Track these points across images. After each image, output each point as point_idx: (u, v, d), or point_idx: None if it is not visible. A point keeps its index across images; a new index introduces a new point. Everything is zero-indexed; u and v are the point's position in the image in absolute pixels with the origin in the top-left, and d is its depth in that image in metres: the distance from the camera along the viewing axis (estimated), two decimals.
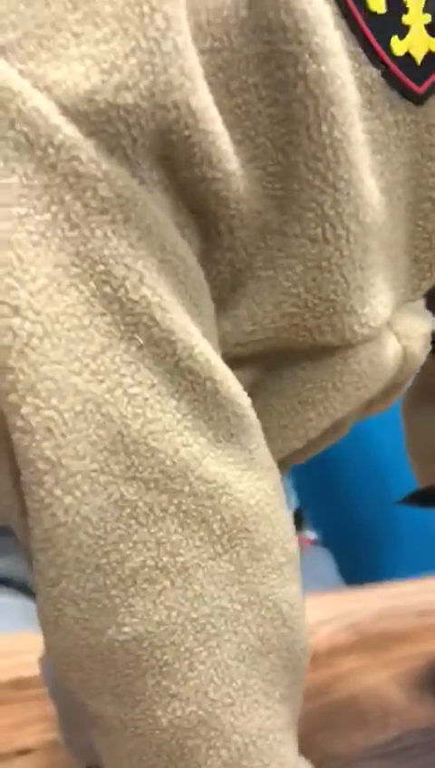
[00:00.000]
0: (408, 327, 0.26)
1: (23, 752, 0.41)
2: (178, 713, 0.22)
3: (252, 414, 0.23)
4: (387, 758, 0.40)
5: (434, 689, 0.45)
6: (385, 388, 0.27)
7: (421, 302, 0.27)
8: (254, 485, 0.22)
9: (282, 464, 0.25)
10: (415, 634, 0.50)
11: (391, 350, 0.25)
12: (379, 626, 0.52)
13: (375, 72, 0.22)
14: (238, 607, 0.22)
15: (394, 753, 0.41)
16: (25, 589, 0.59)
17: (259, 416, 0.23)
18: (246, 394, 0.23)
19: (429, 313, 0.28)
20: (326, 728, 0.43)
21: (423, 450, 0.37)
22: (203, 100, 0.20)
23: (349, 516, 0.83)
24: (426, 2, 0.23)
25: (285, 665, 0.23)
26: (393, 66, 0.23)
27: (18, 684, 0.45)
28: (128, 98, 0.19)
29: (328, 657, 0.49)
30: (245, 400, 0.22)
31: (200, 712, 0.22)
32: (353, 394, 0.25)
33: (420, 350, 0.26)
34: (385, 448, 0.76)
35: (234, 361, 0.23)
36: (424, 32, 0.23)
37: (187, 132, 0.20)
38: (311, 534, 0.81)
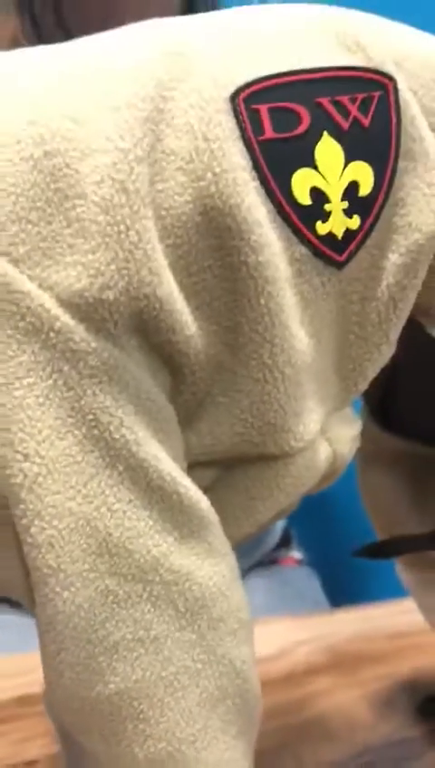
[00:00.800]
0: (338, 433, 0.32)
1: (29, 763, 0.45)
2: (152, 749, 0.27)
3: (210, 513, 0.28)
4: None
5: (400, 707, 0.49)
6: (320, 479, 0.32)
7: (350, 410, 0.33)
8: (212, 570, 0.28)
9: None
10: (385, 656, 0.54)
11: (323, 453, 0.31)
12: (353, 647, 0.55)
13: (304, 250, 0.28)
14: (199, 665, 0.27)
15: (360, 767, 0.45)
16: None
17: (219, 505, 0.29)
18: (205, 498, 0.28)
19: (356, 419, 0.34)
20: (298, 742, 0.46)
21: (377, 507, 0.42)
22: (167, 289, 0.27)
23: (335, 537, 0.86)
24: (344, 192, 0.29)
25: (240, 709, 0.29)
26: (318, 243, 0.29)
27: (24, 701, 0.49)
28: (110, 295, 0.26)
29: (304, 676, 0.52)
30: (204, 504, 0.28)
31: (169, 748, 0.27)
32: (293, 491, 0.31)
33: (347, 451, 0.33)
34: None
35: (199, 464, 0.30)
36: (342, 214, 0.29)
37: (155, 313, 0.27)
38: (297, 554, 0.84)
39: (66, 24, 0.63)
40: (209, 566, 0.28)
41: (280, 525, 0.84)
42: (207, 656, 0.28)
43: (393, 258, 0.30)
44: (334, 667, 0.53)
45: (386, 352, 0.31)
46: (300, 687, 0.51)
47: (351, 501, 0.85)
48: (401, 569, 0.44)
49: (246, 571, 0.78)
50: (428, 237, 0.30)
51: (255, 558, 0.80)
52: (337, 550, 0.85)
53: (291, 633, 0.57)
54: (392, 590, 0.68)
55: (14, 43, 0.65)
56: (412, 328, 0.33)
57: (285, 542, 0.84)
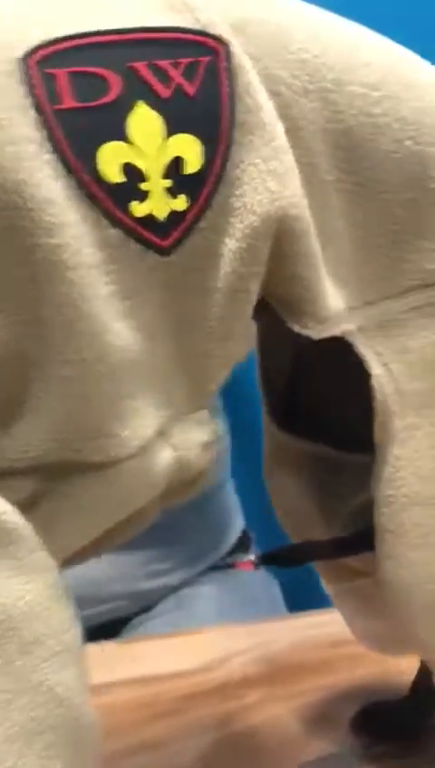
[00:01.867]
0: (184, 438, 0.29)
1: None
2: None
3: (21, 525, 0.25)
4: None
5: (335, 721, 0.46)
6: (171, 488, 0.29)
7: (204, 413, 0.30)
8: (22, 588, 0.25)
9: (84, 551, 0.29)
10: (328, 665, 0.51)
11: (162, 460, 0.28)
12: (294, 656, 0.53)
13: (116, 233, 0.25)
14: (9, 696, 0.24)
15: None
16: None
17: (46, 517, 0.26)
18: (11, 509, 0.25)
19: (211, 422, 0.30)
20: (224, 760, 0.44)
21: (285, 510, 0.39)
22: None
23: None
24: (166, 169, 0.26)
25: (65, 741, 0.25)
26: (134, 226, 0.25)
27: None
28: None
29: (238, 689, 0.50)
30: (10, 516, 0.25)
31: None
32: (127, 502, 0.28)
33: (195, 457, 0.29)
34: None
35: (17, 471, 0.26)
36: (165, 194, 0.26)
37: None
38: (254, 557, 0.82)
39: None
40: (18, 584, 0.24)
41: (238, 527, 0.83)
42: (18, 684, 0.24)
43: (230, 244, 0.27)
44: (271, 678, 0.51)
45: (234, 349, 0.29)
46: (234, 700, 0.49)
47: None
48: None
49: (199, 576, 0.77)
50: (263, 219, 0.27)
51: (209, 562, 0.78)
52: None
53: (229, 642, 0.55)
54: None
55: None
56: None
57: (242, 545, 0.82)
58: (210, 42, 0.27)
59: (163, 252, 0.26)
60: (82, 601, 0.73)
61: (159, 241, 0.26)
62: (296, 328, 0.30)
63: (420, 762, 0.43)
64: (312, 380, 0.35)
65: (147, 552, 0.74)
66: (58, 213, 0.24)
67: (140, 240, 0.26)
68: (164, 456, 0.28)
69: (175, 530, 0.74)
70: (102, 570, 0.71)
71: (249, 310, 0.29)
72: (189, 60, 0.26)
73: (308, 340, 0.30)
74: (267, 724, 0.47)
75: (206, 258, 0.27)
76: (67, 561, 0.28)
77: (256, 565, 0.43)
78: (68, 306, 0.25)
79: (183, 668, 0.51)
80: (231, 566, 0.79)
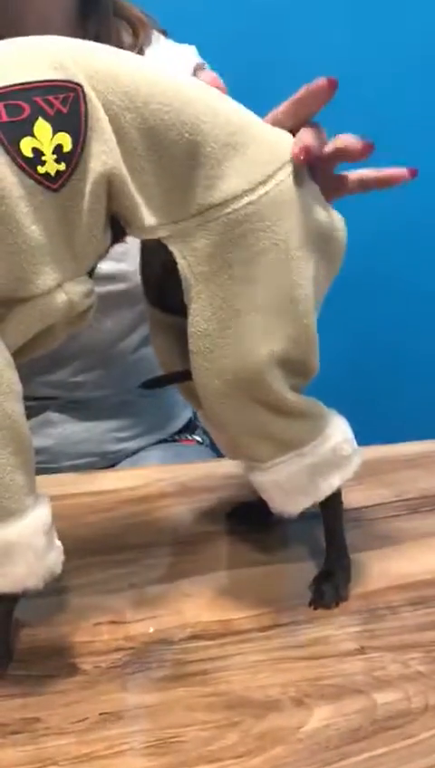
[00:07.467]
0: (72, 289, 0.52)
1: None
2: None
3: None
4: None
5: (216, 513, 0.70)
6: (68, 319, 0.52)
7: (84, 277, 0.53)
8: None
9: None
10: (221, 488, 0.75)
11: (59, 299, 0.51)
12: (198, 483, 0.77)
13: (30, 182, 0.48)
14: None
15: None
16: None
17: (9, 327, 0.50)
18: None
19: (88, 281, 0.53)
20: (141, 534, 0.68)
21: (161, 356, 0.64)
22: None
23: None
24: (53, 149, 0.48)
25: (12, 437, 0.49)
26: (39, 179, 0.48)
27: None
28: None
29: (156, 499, 0.74)
30: None
31: None
32: (34, 323, 0.51)
33: (79, 300, 0.52)
34: None
35: None
36: (54, 162, 0.48)
37: None
38: (199, 438, 1.03)
39: None
40: None
41: (186, 415, 1.05)
42: None
43: (88, 188, 0.49)
44: (181, 493, 0.75)
45: (96, 241, 0.51)
46: (150, 504, 0.74)
47: None
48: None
49: (152, 445, 0.99)
50: (101, 175, 0.49)
51: (160, 436, 1.01)
52: None
53: (155, 474, 0.79)
54: None
55: None
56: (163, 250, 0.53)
57: (188, 428, 1.05)
58: (74, 85, 0.49)
59: (55, 191, 0.49)
60: (64, 455, 1.03)
61: (52, 185, 0.49)
62: (129, 232, 0.53)
63: (265, 537, 0.68)
64: (166, 274, 0.57)
65: (114, 422, 0.97)
66: (2, 174, 0.47)
67: (42, 185, 0.48)
68: (60, 297, 0.51)
69: (136, 409, 0.98)
70: (80, 434, 0.95)
71: (101, 220, 0.51)
72: (64, 95, 0.48)
73: (167, 251, 0.52)
74: (171, 518, 0.71)
75: (77, 194, 0.49)
76: (16, 359, 0.50)
77: (145, 388, 0.68)
78: (5, 215, 0.47)
79: (123, 486, 0.76)
80: (176, 440, 1.02)
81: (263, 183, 0.53)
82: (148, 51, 0.91)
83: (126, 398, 0.96)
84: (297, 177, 0.54)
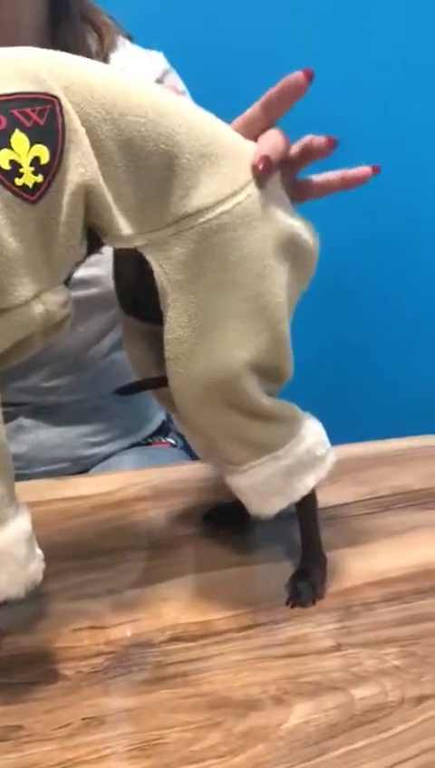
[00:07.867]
0: (49, 299, 0.52)
1: None
2: None
3: None
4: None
5: (193, 516, 0.71)
6: (45, 328, 0.53)
7: (61, 287, 0.53)
8: None
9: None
10: (198, 491, 0.76)
11: (36, 310, 0.51)
12: (171, 485, 0.78)
13: (8, 194, 0.48)
14: None
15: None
16: None
17: None
18: None
19: (64, 290, 0.53)
20: (114, 539, 0.69)
21: (136, 364, 0.64)
22: None
23: None
24: (30, 162, 0.48)
25: None
26: (17, 191, 0.48)
27: None
28: None
29: (132, 503, 0.75)
30: None
31: None
32: (16, 330, 0.51)
33: (56, 310, 0.52)
34: None
35: None
36: (31, 174, 0.49)
37: None
38: (172, 441, 1.04)
39: None
40: None
41: (159, 418, 1.05)
42: None
43: (65, 199, 0.50)
44: (154, 497, 0.76)
45: (73, 252, 0.52)
46: (126, 508, 0.74)
47: None
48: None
49: (125, 450, 1.00)
50: (79, 187, 0.50)
51: (133, 440, 1.01)
52: None
53: (130, 478, 0.80)
54: None
55: None
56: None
57: (162, 431, 1.05)
58: (51, 97, 0.49)
59: (33, 203, 0.49)
60: (37, 461, 1.02)
61: (30, 197, 0.49)
62: (105, 242, 0.53)
63: (241, 538, 0.69)
64: (141, 283, 0.57)
65: (86, 428, 0.97)
66: None
67: (20, 197, 0.48)
68: (38, 308, 0.51)
69: (108, 413, 0.98)
70: (52, 439, 0.95)
71: (78, 231, 0.51)
72: (40, 107, 0.49)
73: (142, 258, 0.53)
74: (147, 521, 0.72)
75: (54, 206, 0.50)
76: None
77: (121, 394, 0.68)
78: None
79: (98, 491, 0.77)
80: (150, 444, 1.02)
81: (235, 193, 0.54)
82: (113, 56, 0.91)
83: (98, 402, 0.96)
84: (267, 187, 0.55)
